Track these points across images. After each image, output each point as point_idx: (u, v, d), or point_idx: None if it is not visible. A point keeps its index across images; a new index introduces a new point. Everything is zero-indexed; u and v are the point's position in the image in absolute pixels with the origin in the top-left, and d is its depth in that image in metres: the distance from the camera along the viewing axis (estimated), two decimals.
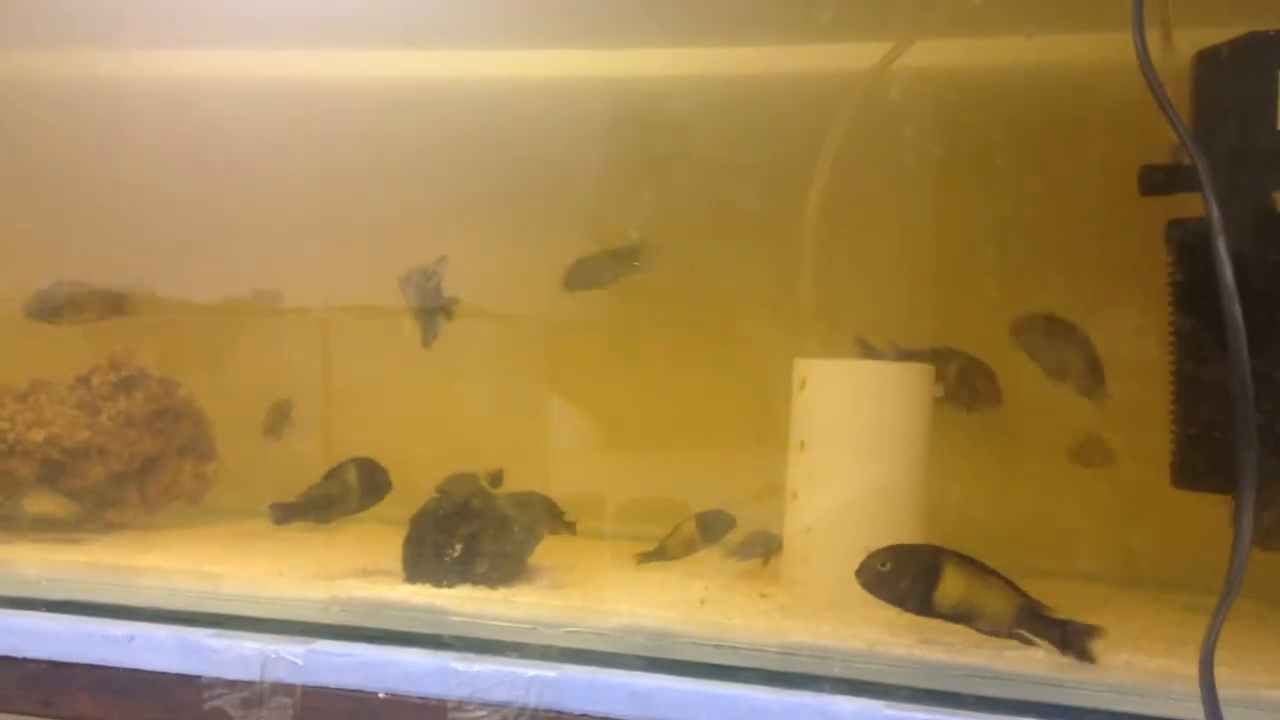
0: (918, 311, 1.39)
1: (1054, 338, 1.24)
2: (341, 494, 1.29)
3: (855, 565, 1.12)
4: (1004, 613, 0.98)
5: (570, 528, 1.31)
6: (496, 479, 1.34)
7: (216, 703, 1.04)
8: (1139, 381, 1.23)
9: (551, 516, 1.31)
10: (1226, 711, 0.85)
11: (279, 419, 1.54)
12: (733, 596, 1.18)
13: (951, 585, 0.99)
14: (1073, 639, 0.96)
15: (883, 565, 1.01)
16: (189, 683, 1.06)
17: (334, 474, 1.30)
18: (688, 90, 1.51)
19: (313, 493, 1.29)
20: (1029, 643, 0.97)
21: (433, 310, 1.36)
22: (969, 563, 1.00)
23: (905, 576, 1.00)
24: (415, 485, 1.30)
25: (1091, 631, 0.96)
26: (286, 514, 1.29)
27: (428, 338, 1.37)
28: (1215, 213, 0.76)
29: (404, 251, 1.58)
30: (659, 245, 1.44)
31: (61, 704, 1.09)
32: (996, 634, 0.98)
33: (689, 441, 1.49)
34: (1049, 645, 0.97)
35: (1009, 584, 0.99)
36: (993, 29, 1.38)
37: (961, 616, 0.99)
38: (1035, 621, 0.98)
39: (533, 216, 1.56)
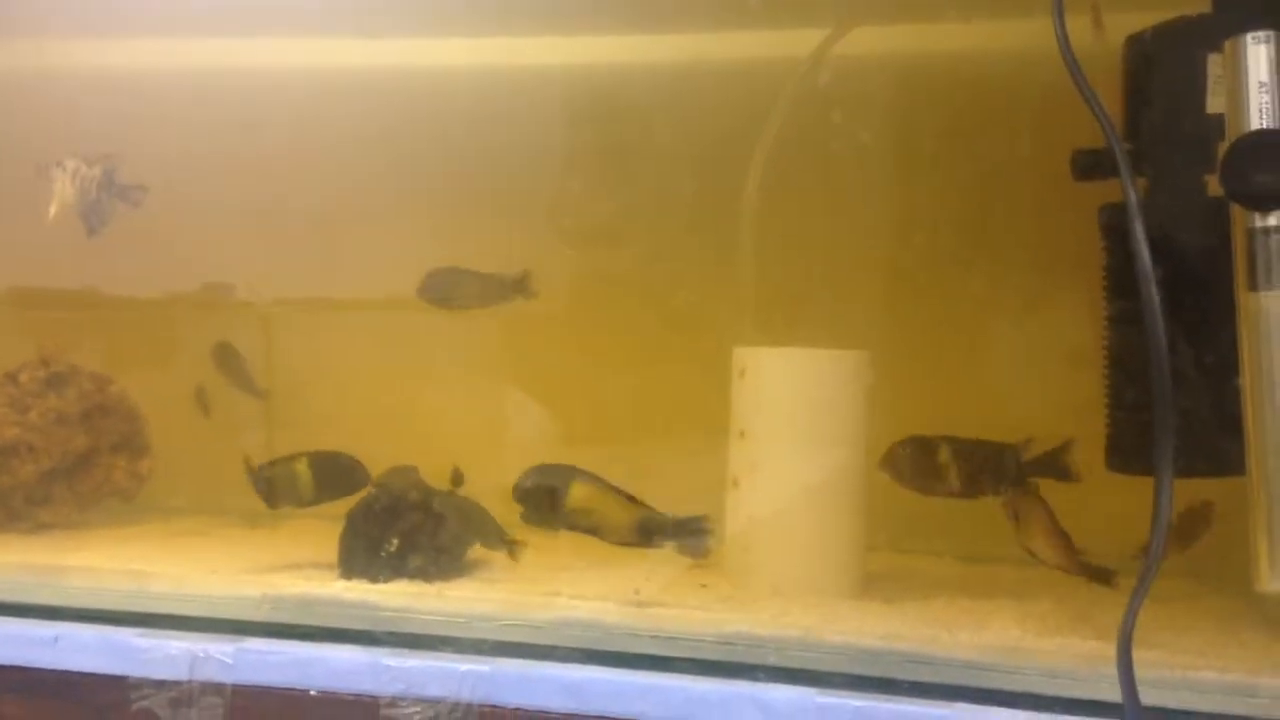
0: (859, 300, 1.39)
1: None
2: (289, 484, 1.25)
3: (796, 552, 1.13)
4: (624, 523, 1.09)
5: (512, 550, 1.23)
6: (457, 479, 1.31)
7: (145, 704, 1.03)
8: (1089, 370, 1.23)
9: (490, 531, 1.26)
10: (1155, 692, 0.86)
11: (205, 399, 1.54)
12: (674, 587, 1.17)
13: (577, 497, 1.09)
14: (685, 529, 1.08)
15: (526, 481, 1.11)
16: (116, 684, 1.04)
17: (283, 462, 1.25)
18: (639, 78, 1.50)
19: (261, 474, 1.25)
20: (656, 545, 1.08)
21: (98, 199, 1.35)
22: (595, 480, 1.11)
23: (541, 492, 1.11)
24: None
25: (701, 521, 1.07)
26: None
27: (94, 225, 1.36)
28: (1131, 194, 0.76)
29: (354, 244, 1.56)
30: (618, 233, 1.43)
31: None
32: (623, 543, 1.09)
33: (647, 433, 1.48)
34: (670, 544, 1.08)
35: (631, 499, 1.09)
36: (931, 15, 1.38)
37: (589, 528, 1.10)
38: (654, 526, 1.09)
39: (482, 206, 1.54)
